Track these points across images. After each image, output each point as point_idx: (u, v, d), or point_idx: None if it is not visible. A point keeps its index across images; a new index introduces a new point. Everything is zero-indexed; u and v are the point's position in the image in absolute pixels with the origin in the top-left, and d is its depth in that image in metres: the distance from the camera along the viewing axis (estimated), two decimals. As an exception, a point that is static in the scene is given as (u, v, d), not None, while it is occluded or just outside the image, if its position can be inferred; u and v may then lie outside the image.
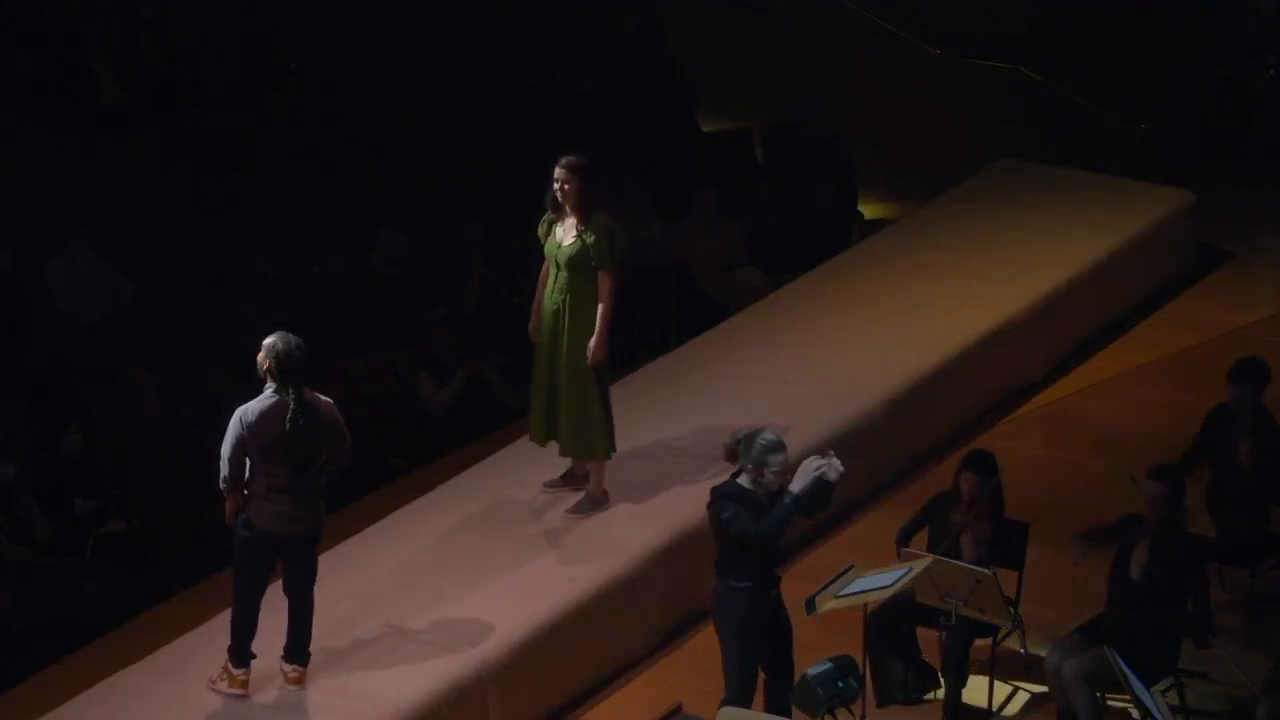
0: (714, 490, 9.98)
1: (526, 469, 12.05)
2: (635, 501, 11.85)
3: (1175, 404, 13.59)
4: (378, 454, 13.68)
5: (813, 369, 13.34)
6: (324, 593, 11.01)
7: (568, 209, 11.32)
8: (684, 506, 11.67)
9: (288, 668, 10.41)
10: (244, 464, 10.05)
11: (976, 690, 10.82)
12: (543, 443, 11.76)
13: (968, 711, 10.76)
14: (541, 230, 11.47)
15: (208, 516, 12.70)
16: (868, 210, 17.44)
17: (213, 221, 14.98)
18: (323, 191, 15.53)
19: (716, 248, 16.01)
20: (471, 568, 11.33)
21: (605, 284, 11.32)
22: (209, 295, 14.34)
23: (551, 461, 12.17)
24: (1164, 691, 10.10)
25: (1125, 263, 15.09)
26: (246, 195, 15.33)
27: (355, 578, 11.28)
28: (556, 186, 11.29)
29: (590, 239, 11.26)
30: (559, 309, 11.40)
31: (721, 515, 9.86)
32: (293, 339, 10.00)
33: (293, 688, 10.38)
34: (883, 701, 10.88)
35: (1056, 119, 18.23)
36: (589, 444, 11.60)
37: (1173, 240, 15.72)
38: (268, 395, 10.01)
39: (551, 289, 11.43)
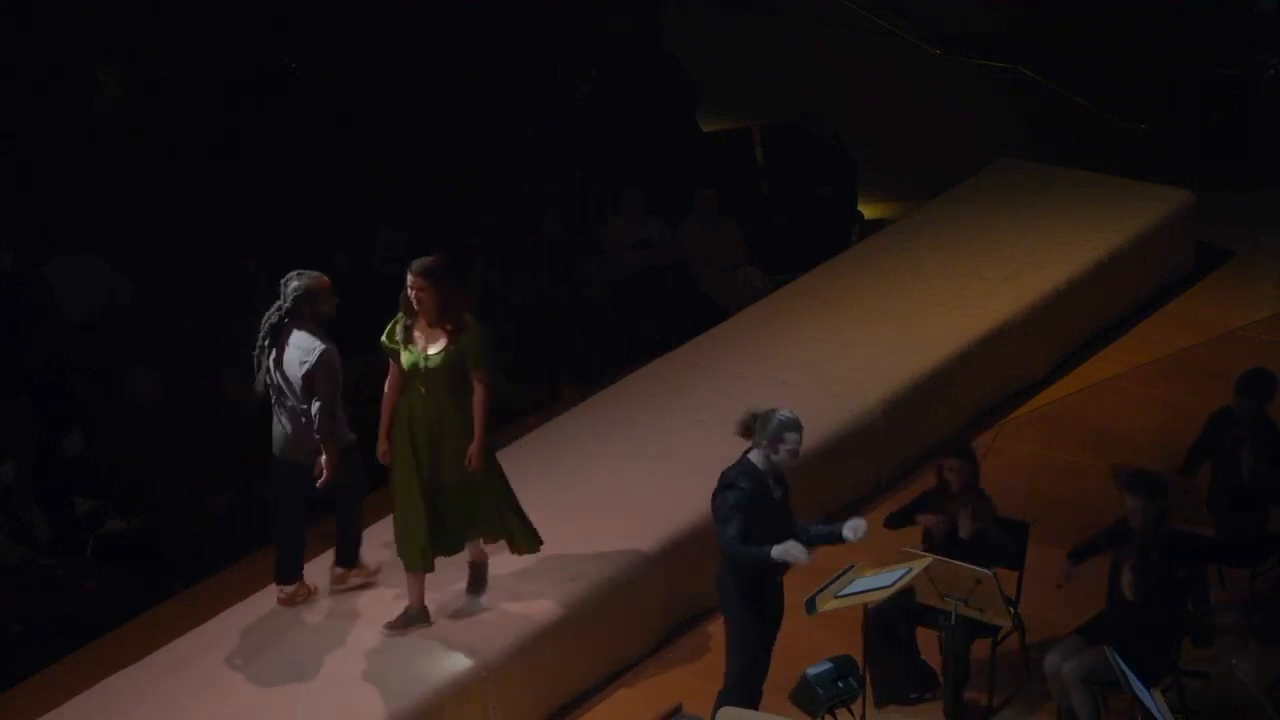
0: (724, 474, 9.93)
1: (524, 469, 12.02)
2: (635, 501, 11.84)
3: (1175, 404, 13.58)
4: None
5: (812, 369, 13.33)
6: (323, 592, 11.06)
7: (428, 318, 10.38)
8: (683, 506, 11.65)
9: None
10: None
11: (976, 690, 10.82)
12: (442, 555, 10.74)
13: (968, 711, 10.76)
14: (390, 337, 10.49)
15: (207, 516, 12.76)
16: (868, 210, 17.44)
17: (212, 221, 14.96)
18: (323, 191, 15.52)
19: (716, 248, 16.00)
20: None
21: (479, 388, 10.43)
22: (208, 295, 14.32)
23: (552, 464, 12.20)
24: (1164, 691, 10.09)
25: (1125, 263, 15.08)
26: (246, 195, 15.31)
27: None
28: (411, 294, 10.33)
29: (464, 343, 10.36)
30: (435, 422, 10.44)
31: (718, 506, 9.84)
32: (298, 272, 10.67)
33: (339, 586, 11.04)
34: (882, 701, 10.88)
35: (1056, 119, 18.23)
36: (514, 539, 10.90)
37: (1173, 240, 15.71)
38: None
39: (419, 401, 10.43)
